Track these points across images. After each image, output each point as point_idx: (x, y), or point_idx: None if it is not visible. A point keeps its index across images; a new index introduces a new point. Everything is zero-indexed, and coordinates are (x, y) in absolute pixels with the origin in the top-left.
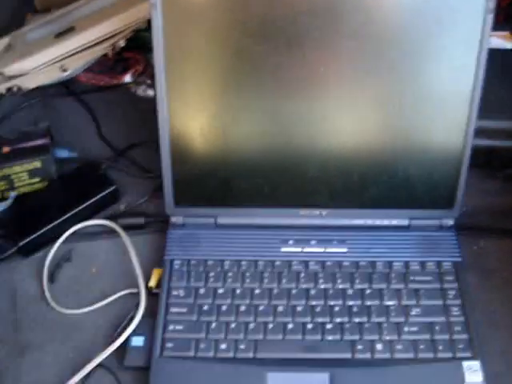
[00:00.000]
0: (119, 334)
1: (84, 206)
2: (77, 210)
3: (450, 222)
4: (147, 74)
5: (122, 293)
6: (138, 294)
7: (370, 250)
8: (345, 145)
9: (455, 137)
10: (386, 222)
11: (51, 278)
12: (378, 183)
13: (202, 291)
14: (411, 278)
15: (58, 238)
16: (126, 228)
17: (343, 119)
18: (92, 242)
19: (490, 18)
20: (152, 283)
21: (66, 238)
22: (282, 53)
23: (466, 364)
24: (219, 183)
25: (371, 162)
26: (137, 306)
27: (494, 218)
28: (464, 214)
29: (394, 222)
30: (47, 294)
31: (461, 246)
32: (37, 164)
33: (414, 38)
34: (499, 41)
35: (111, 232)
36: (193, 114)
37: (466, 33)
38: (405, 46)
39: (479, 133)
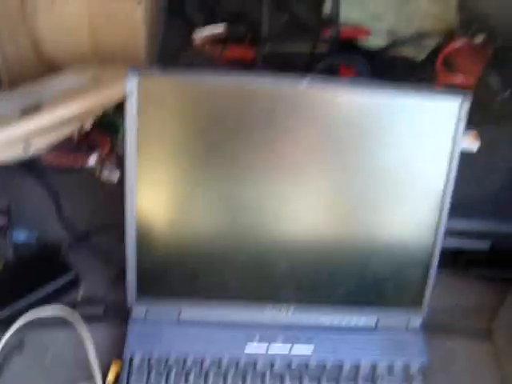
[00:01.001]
0: None
1: (39, 291)
2: (32, 295)
3: (418, 322)
4: (112, 157)
5: None
6: None
7: (337, 350)
8: (314, 241)
9: (425, 236)
10: (353, 321)
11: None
12: (347, 281)
13: None
14: (379, 380)
15: (10, 325)
16: (85, 317)
17: (314, 216)
18: (47, 330)
19: (462, 125)
20: (110, 378)
21: (19, 326)
22: (253, 148)
23: None
24: (185, 275)
25: (341, 259)
26: None
27: (460, 318)
28: (429, 314)
29: (362, 321)
30: None
31: (427, 347)
32: None
33: (383, 140)
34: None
35: (68, 321)
36: (161, 203)
37: (439, 138)
38: (374, 147)
39: (446, 233)
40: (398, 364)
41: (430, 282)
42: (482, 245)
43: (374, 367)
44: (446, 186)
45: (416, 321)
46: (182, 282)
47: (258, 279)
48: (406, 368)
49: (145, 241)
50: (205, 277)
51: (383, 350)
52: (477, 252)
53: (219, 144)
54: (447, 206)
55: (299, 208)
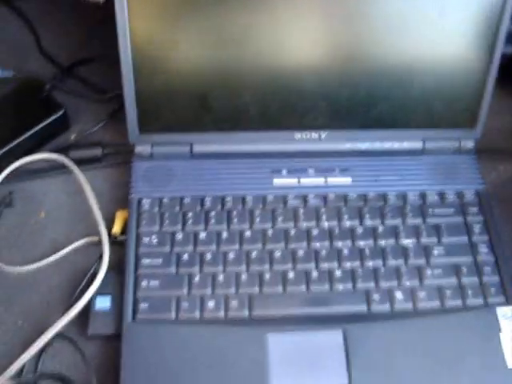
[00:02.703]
0: (80, 295)
1: (25, 136)
2: (16, 141)
3: (471, 144)
4: None
5: (80, 242)
6: (99, 244)
7: (379, 179)
8: (348, 52)
9: (481, 44)
10: (396, 146)
11: None
12: (388, 98)
13: (179, 237)
14: (429, 211)
15: None
16: (80, 162)
17: (348, 21)
18: (37, 180)
19: None
20: (116, 229)
21: (5, 178)
22: None
23: (499, 310)
24: (194, 103)
25: (380, 72)
26: (99, 258)
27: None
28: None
29: (406, 145)
30: None
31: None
32: None
33: None
34: None
35: (61, 167)
36: (158, 18)
37: None
38: None
39: None
40: (450, 191)
41: (487, 96)
42: None
43: (422, 196)
44: None
45: (468, 143)
46: (191, 110)
47: (282, 103)
48: (460, 196)
49: (143, 66)
50: (218, 104)
51: (432, 177)
52: None
53: None
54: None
55: (328, 11)
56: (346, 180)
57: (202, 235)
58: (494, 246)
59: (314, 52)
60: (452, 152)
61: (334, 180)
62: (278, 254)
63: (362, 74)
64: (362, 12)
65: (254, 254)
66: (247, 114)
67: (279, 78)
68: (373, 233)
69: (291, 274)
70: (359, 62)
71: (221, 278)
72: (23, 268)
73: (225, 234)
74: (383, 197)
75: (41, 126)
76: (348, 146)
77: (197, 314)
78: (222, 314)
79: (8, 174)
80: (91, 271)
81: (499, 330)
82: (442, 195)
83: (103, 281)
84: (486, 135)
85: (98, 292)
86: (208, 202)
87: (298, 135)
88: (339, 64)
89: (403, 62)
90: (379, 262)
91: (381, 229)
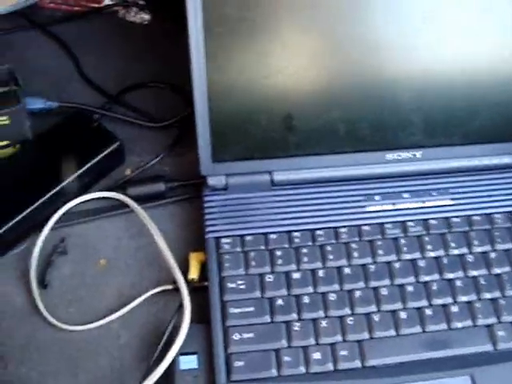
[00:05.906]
0: (160, 356)
1: (77, 174)
2: (67, 180)
3: None
4: None
5: (151, 292)
6: (174, 293)
7: (482, 199)
8: (446, 63)
9: None
10: (496, 161)
11: (42, 282)
12: (490, 109)
13: (269, 279)
14: None
15: (45, 222)
16: (140, 199)
17: (444, 30)
18: (93, 223)
19: None
20: (193, 274)
21: (57, 222)
22: None
23: None
24: (276, 124)
25: (480, 80)
26: (178, 309)
27: None
28: None
29: (507, 160)
30: (40, 304)
31: None
32: (3, 120)
33: None
34: None
35: (120, 207)
36: (239, 33)
37: None
38: None
39: None
40: None
41: None
42: None
43: None
44: None
45: None
46: (272, 133)
47: (374, 121)
48: None
49: (218, 87)
50: (303, 124)
51: None
52: None
53: None
54: None
55: (425, 21)
56: (446, 202)
57: (295, 276)
58: None
59: (408, 64)
60: None
61: (432, 203)
62: (383, 291)
63: (461, 83)
64: (465, 24)
65: (357, 294)
66: (335, 135)
67: (370, 96)
68: (485, 260)
69: (403, 314)
70: (457, 74)
71: (323, 324)
72: (86, 327)
73: (321, 273)
74: (490, 218)
75: (95, 160)
76: (445, 164)
77: (302, 369)
78: (330, 366)
79: (59, 218)
80: (170, 326)
81: None
82: None
83: (186, 336)
84: None
85: (182, 350)
86: (297, 237)
87: (389, 156)
88: (434, 77)
89: (503, 68)
90: (497, 293)
91: (493, 255)
